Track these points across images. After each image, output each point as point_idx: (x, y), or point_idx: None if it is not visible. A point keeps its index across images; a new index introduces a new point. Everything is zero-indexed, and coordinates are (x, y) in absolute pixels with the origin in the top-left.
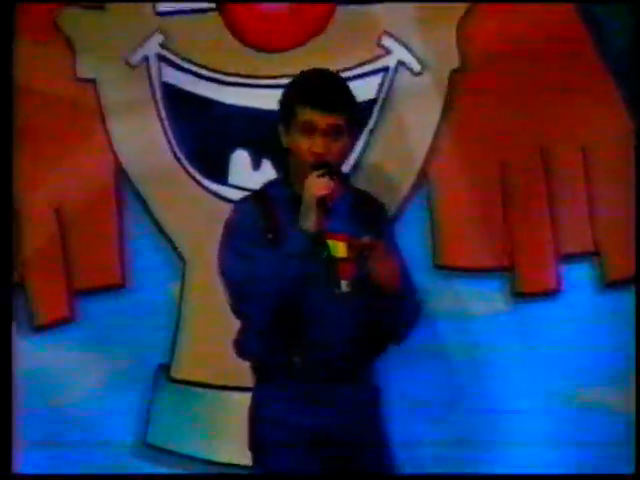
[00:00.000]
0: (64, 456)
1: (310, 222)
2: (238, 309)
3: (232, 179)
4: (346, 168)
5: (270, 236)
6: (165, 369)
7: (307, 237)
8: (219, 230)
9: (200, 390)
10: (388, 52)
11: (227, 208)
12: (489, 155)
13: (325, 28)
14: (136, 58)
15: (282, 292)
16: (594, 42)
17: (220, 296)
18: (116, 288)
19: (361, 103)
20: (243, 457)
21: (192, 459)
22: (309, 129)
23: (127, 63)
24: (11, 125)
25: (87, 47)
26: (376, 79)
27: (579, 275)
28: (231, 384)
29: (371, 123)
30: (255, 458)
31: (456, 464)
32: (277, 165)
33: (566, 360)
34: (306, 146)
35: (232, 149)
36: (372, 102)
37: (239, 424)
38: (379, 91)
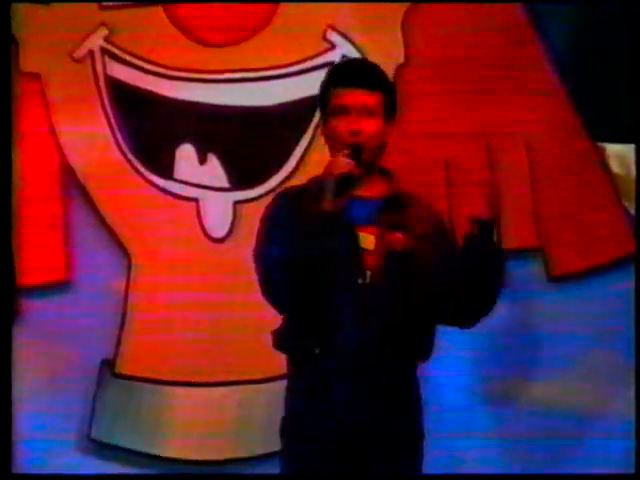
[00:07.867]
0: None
1: (327, 201)
2: (268, 296)
3: (178, 174)
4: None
5: (302, 225)
6: (110, 365)
7: (325, 218)
8: (164, 225)
9: (144, 385)
10: (333, 46)
11: (173, 203)
12: (433, 151)
13: (270, 22)
14: (81, 52)
15: (300, 274)
16: (540, 38)
17: (164, 291)
18: (61, 284)
19: (306, 99)
20: (187, 452)
21: (136, 454)
22: (343, 110)
23: (72, 57)
24: None
25: (31, 41)
26: (321, 74)
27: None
28: (175, 379)
29: (316, 118)
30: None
31: None
32: (223, 160)
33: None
34: (342, 127)
35: (178, 144)
36: (317, 97)
37: (183, 419)
38: None
